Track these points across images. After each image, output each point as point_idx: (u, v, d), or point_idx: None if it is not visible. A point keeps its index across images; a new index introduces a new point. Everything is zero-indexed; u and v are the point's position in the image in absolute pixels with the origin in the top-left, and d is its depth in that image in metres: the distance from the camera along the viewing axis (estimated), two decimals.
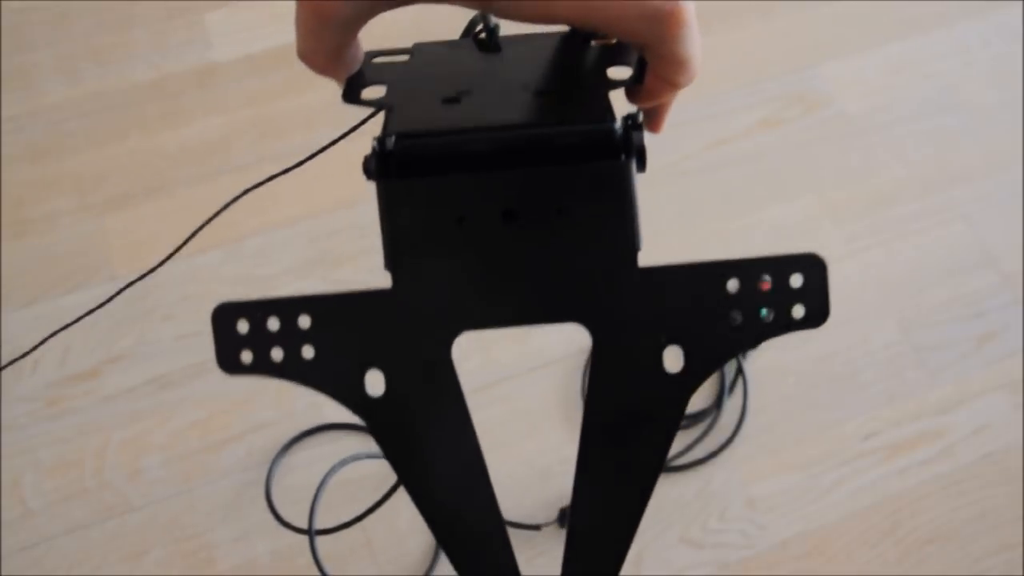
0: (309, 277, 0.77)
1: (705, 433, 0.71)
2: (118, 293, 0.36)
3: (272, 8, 0.94)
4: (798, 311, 0.27)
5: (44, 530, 0.67)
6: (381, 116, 0.30)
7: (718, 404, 0.72)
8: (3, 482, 0.68)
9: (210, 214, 0.40)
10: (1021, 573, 0.67)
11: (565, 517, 0.66)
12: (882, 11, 0.96)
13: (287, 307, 0.27)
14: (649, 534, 0.67)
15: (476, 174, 0.27)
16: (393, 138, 0.27)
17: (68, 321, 0.38)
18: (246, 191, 0.35)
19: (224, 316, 0.27)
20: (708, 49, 0.98)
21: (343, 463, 0.66)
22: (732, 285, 0.27)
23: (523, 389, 0.72)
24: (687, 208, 0.82)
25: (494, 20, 0.31)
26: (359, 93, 0.29)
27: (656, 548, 0.67)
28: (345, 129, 0.35)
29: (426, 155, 0.27)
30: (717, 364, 0.28)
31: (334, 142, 0.36)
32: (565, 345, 0.73)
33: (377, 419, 0.27)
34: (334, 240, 0.80)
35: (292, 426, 0.71)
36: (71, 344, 0.74)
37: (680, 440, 0.71)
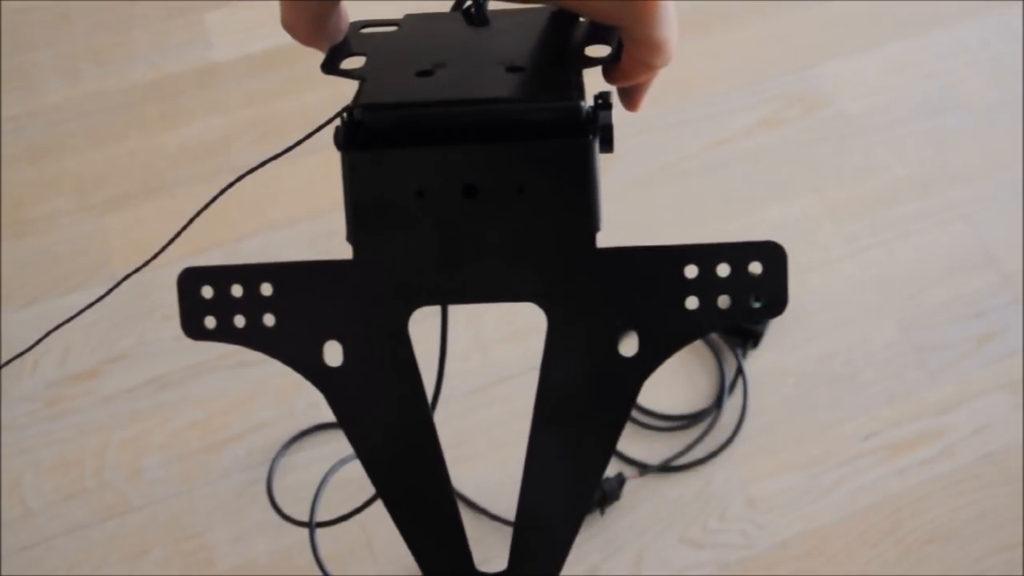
0: None
1: (705, 433, 0.71)
2: (117, 285, 0.36)
3: (272, 8, 0.94)
4: (755, 299, 0.27)
5: (44, 530, 0.67)
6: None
7: (718, 404, 0.72)
8: (3, 482, 0.68)
9: (210, 214, 0.40)
10: (1021, 573, 0.67)
11: None
12: (882, 11, 0.96)
13: (250, 274, 0.27)
14: (649, 534, 0.67)
15: (439, 148, 0.27)
16: (360, 109, 0.27)
17: (68, 320, 0.38)
18: (241, 177, 0.35)
19: (189, 281, 0.28)
20: (708, 49, 0.98)
21: (343, 462, 0.66)
22: (690, 271, 0.27)
23: (523, 389, 0.72)
24: (687, 208, 0.82)
25: None
26: (338, 63, 0.29)
27: (656, 548, 0.67)
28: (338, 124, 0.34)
29: (391, 127, 0.27)
30: (672, 349, 0.27)
31: (320, 127, 0.35)
32: None
33: (333, 390, 0.28)
34: (334, 240, 0.80)
35: (292, 426, 0.71)
36: (71, 344, 0.74)
37: (680, 440, 0.71)
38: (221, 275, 0.27)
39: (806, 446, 0.71)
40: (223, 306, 0.28)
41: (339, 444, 0.70)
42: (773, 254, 0.27)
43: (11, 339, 0.74)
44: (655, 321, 0.27)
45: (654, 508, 0.68)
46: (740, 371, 0.73)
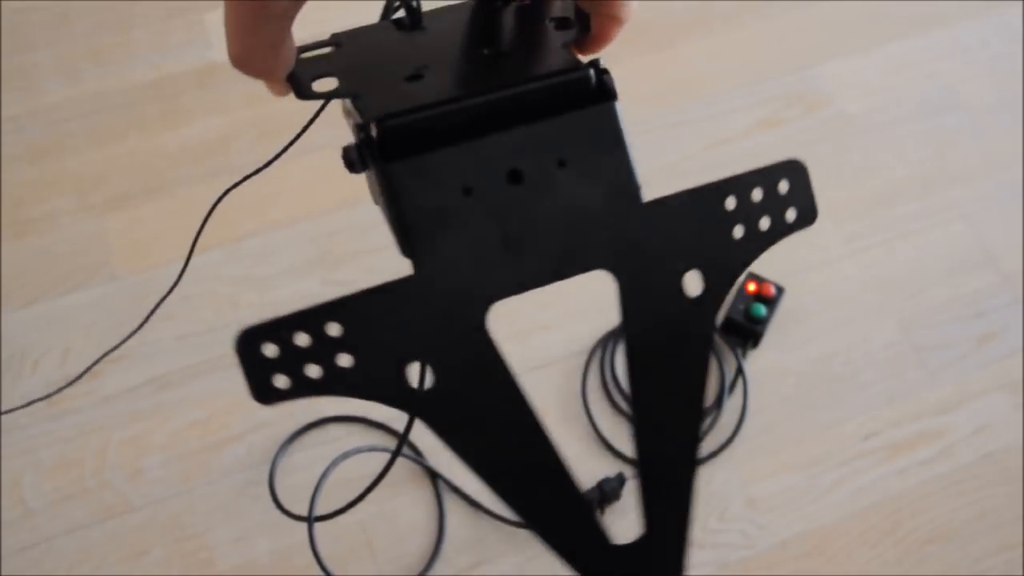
0: (309, 277, 0.77)
1: (705, 433, 0.71)
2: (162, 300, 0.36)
3: None
4: (791, 214, 0.29)
5: (44, 530, 0.67)
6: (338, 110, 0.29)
7: (718, 404, 0.72)
8: (3, 482, 0.68)
9: (210, 214, 0.40)
10: (1021, 573, 0.67)
11: None
12: (882, 11, 0.96)
13: (313, 318, 0.25)
14: None
15: (473, 141, 0.27)
16: (375, 122, 0.26)
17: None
18: (249, 176, 0.35)
19: (248, 343, 0.25)
20: (708, 49, 0.97)
21: (345, 455, 0.66)
22: (730, 202, 0.29)
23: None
24: None
25: None
26: (310, 88, 0.29)
27: None
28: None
29: (417, 131, 0.27)
30: (733, 279, 0.29)
31: (299, 134, 0.36)
32: (565, 345, 0.73)
33: (431, 413, 0.26)
34: (334, 240, 0.80)
35: (292, 425, 0.71)
36: (71, 344, 0.74)
37: None
38: (282, 327, 0.25)
39: (806, 446, 0.71)
40: (292, 360, 0.25)
41: (339, 443, 0.70)
42: (796, 170, 0.29)
43: (11, 339, 0.74)
44: (712, 256, 0.28)
45: None
46: (740, 371, 0.73)
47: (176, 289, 0.77)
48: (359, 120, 0.27)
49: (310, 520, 0.62)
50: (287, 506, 0.68)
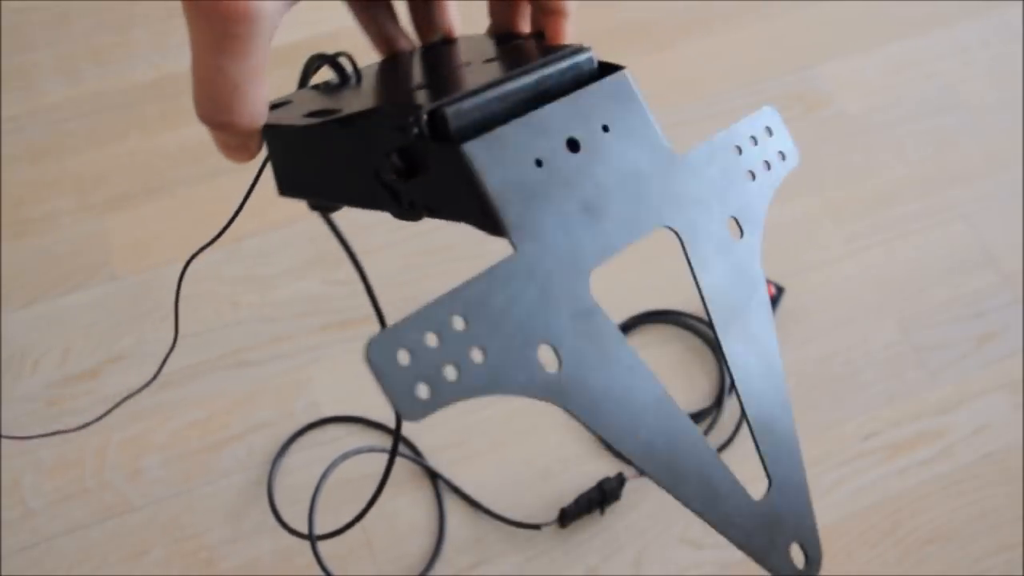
0: (309, 277, 0.77)
1: (705, 433, 0.71)
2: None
3: None
4: (780, 157, 0.32)
5: (44, 530, 0.67)
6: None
7: (718, 404, 0.72)
8: (3, 482, 0.68)
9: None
10: (1021, 573, 0.67)
11: (565, 517, 0.66)
12: (882, 11, 0.96)
13: (436, 314, 0.23)
14: (649, 534, 0.67)
15: (521, 118, 0.27)
16: (436, 108, 0.26)
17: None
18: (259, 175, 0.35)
19: (381, 352, 0.22)
20: (708, 49, 0.98)
21: (344, 456, 0.66)
22: (737, 150, 0.31)
23: None
24: None
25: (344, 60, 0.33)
26: (301, 121, 0.30)
27: (656, 548, 0.67)
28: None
29: (472, 113, 0.27)
30: (761, 220, 0.31)
31: (250, 190, 0.36)
32: None
33: (569, 395, 0.25)
34: (334, 240, 0.79)
35: (292, 425, 0.71)
36: (71, 344, 0.74)
37: None
38: (409, 329, 0.22)
39: (806, 446, 0.71)
40: (426, 365, 0.22)
41: (339, 444, 0.70)
42: (772, 116, 0.33)
43: (11, 339, 0.74)
44: (742, 201, 0.30)
45: (654, 508, 0.68)
46: None
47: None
48: (401, 123, 0.26)
49: (312, 539, 0.62)
50: (288, 506, 0.68)
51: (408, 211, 0.28)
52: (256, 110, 0.26)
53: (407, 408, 0.22)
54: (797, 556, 0.29)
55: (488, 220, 0.25)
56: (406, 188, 0.27)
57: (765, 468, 0.30)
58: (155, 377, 0.44)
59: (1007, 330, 0.77)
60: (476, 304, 0.24)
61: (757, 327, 0.30)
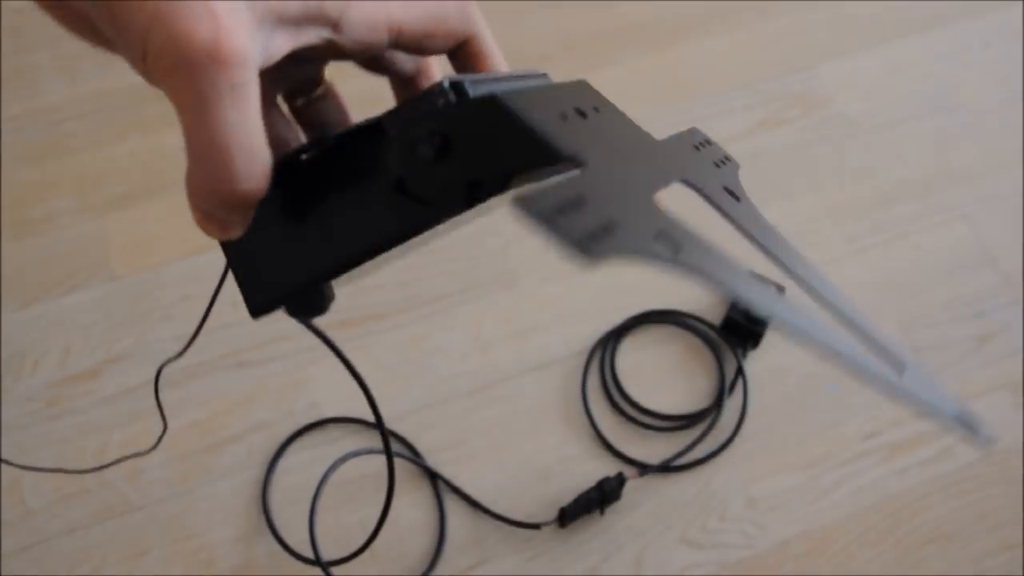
0: None
1: (705, 433, 0.71)
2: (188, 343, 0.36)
3: None
4: (725, 158, 0.36)
5: (44, 530, 0.67)
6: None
7: (718, 404, 0.72)
8: (3, 482, 0.68)
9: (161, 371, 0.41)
10: (1021, 573, 0.67)
11: (565, 517, 0.66)
12: (882, 11, 0.96)
13: (562, 190, 0.20)
14: (649, 534, 0.67)
15: (533, 90, 0.28)
16: (448, 83, 0.26)
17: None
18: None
19: (542, 211, 0.19)
20: (708, 49, 0.97)
21: (343, 459, 0.66)
22: (693, 145, 0.34)
23: (523, 389, 0.72)
24: (687, 208, 0.82)
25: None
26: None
27: (656, 548, 0.67)
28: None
29: (484, 87, 0.27)
30: (746, 196, 0.34)
31: (220, 285, 0.36)
32: (565, 345, 0.73)
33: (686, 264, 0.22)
34: None
35: (292, 426, 0.71)
36: (71, 344, 0.74)
37: (680, 440, 0.71)
38: (551, 194, 0.20)
39: (806, 446, 0.71)
40: (574, 215, 0.20)
41: (339, 443, 0.70)
42: (699, 133, 0.35)
43: (11, 339, 0.74)
44: (723, 178, 0.33)
45: (654, 508, 0.68)
46: (740, 371, 0.73)
47: (176, 289, 0.77)
48: (429, 103, 0.26)
49: (322, 564, 0.62)
50: (287, 507, 0.68)
51: (444, 198, 0.26)
52: (268, 164, 0.21)
53: (585, 248, 0.19)
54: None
55: (541, 151, 0.24)
56: (441, 171, 0.26)
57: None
58: (185, 350, 0.43)
59: (1007, 330, 0.77)
60: (587, 189, 0.21)
61: (801, 260, 0.32)
